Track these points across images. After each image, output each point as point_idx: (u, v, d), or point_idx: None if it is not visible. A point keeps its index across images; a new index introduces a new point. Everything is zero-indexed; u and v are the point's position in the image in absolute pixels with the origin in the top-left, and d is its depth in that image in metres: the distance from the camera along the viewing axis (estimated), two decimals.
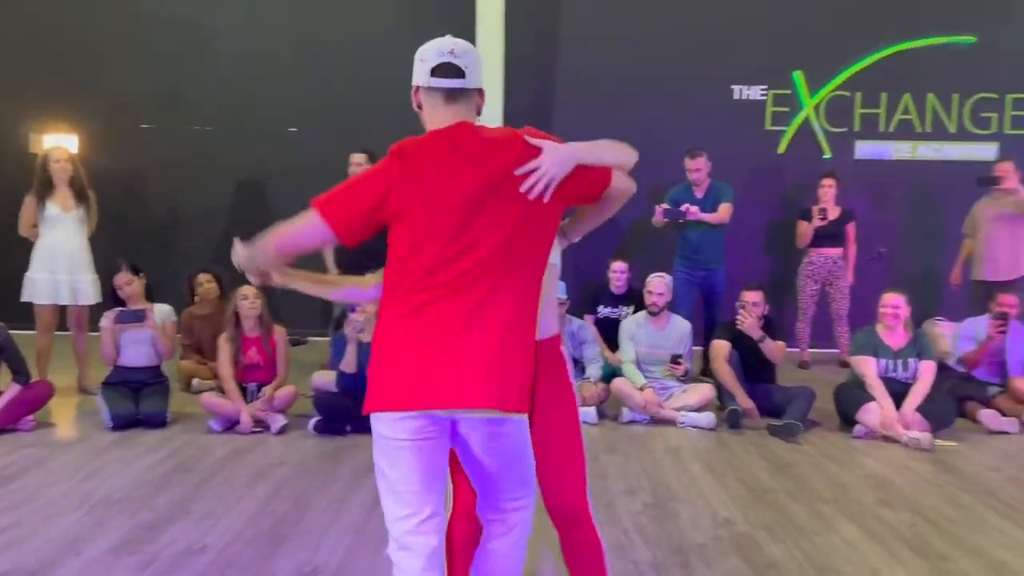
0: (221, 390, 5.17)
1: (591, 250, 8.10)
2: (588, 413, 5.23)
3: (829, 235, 7.15)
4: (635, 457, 4.60)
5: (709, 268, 6.73)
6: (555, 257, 2.27)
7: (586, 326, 5.78)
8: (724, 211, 6.61)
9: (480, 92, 2.15)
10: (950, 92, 8.12)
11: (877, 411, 5.02)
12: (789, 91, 8.21)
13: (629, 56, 8.10)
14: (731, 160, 7.44)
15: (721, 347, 5.48)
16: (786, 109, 8.22)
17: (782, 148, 8.21)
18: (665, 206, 6.64)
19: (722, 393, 5.40)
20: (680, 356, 5.43)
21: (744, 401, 5.30)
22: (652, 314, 5.60)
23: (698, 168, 6.69)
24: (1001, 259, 6.63)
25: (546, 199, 2.00)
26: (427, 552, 2.03)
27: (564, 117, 8.12)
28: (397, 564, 2.06)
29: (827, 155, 8.20)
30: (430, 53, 2.10)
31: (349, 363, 5.00)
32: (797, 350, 7.34)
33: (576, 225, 2.43)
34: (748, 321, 5.32)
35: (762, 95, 8.22)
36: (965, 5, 8.05)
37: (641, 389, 5.32)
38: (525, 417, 2.13)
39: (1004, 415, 5.39)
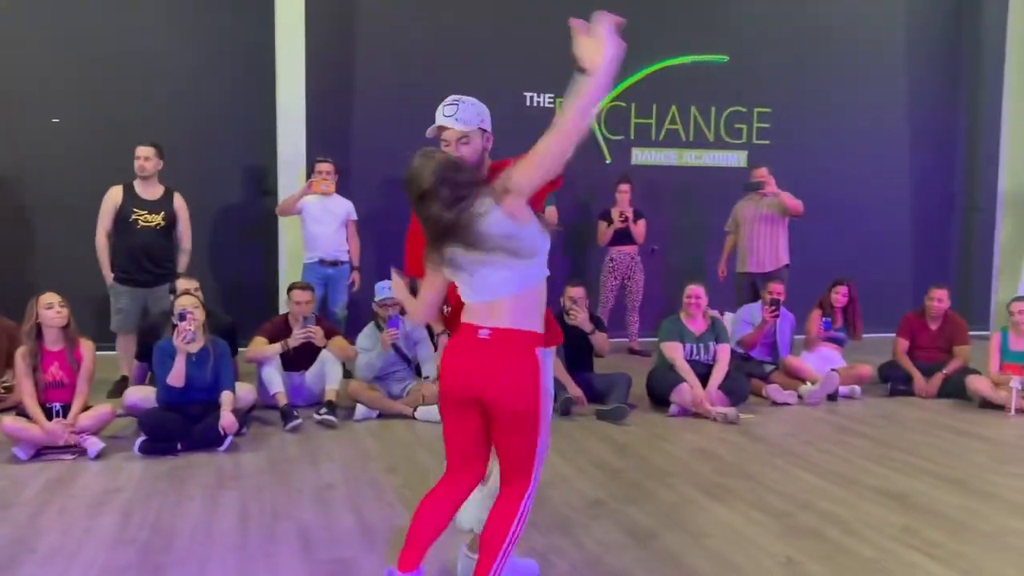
0: (22, 413, 4.58)
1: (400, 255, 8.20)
2: (433, 411, 5.29)
3: (626, 234, 7.78)
4: None
5: None
6: None
7: (421, 327, 5.81)
8: (552, 214, 6.98)
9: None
10: (709, 105, 9.11)
11: (688, 391, 5.56)
12: None
13: (424, 64, 8.26)
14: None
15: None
16: None
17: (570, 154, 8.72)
18: None
19: (554, 384, 5.68)
20: None
21: (574, 390, 5.63)
22: None
23: None
24: (763, 253, 7.55)
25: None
26: None
27: (363, 126, 8.17)
28: None
29: (608, 161, 8.85)
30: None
31: (178, 376, 4.64)
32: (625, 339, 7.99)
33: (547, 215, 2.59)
34: (580, 316, 5.66)
35: (550, 103, 8.70)
36: (720, 28, 9.06)
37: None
38: None
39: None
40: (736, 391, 5.76)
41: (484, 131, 2.78)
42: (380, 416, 5.44)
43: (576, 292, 5.78)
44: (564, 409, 5.49)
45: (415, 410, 5.41)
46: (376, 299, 5.64)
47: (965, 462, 4.63)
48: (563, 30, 9.11)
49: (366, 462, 4.47)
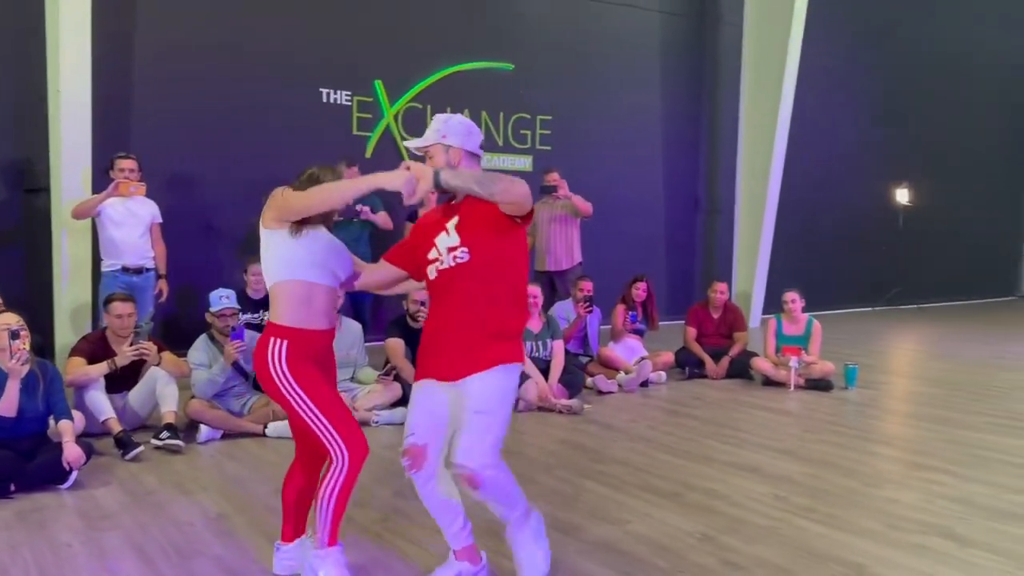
0: None
1: (225, 255, 7.61)
2: (287, 428, 5.03)
3: None
4: None
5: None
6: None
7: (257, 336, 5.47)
8: (386, 216, 6.92)
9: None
10: (498, 111, 9.45)
11: (535, 388, 5.80)
12: (371, 99, 8.65)
13: (218, 60, 7.72)
14: (324, 162, 7.61)
15: (398, 345, 5.71)
16: (370, 116, 8.65)
17: (368, 153, 8.61)
18: None
19: (406, 389, 5.63)
20: (394, 368, 5.53)
21: None
22: None
23: (351, 177, 6.78)
24: (559, 252, 8.01)
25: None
26: None
27: (153, 116, 7.43)
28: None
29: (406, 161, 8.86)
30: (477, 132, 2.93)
31: (10, 404, 3.99)
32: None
33: None
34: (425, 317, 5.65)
35: (348, 100, 8.51)
36: (506, 37, 9.43)
37: None
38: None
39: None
40: (573, 384, 6.11)
41: (448, 146, 2.88)
42: (224, 436, 5.05)
43: (421, 295, 5.77)
44: None
45: (265, 427, 5.10)
46: (212, 310, 5.21)
47: (783, 434, 5.33)
48: (362, 27, 9.20)
49: (244, 486, 4.16)
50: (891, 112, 13.07)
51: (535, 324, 6.17)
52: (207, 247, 7.73)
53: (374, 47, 8.62)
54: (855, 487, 4.25)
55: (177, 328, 6.93)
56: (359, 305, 7.29)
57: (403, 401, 5.57)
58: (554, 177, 8.02)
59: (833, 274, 12.22)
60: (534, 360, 6.01)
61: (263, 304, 6.23)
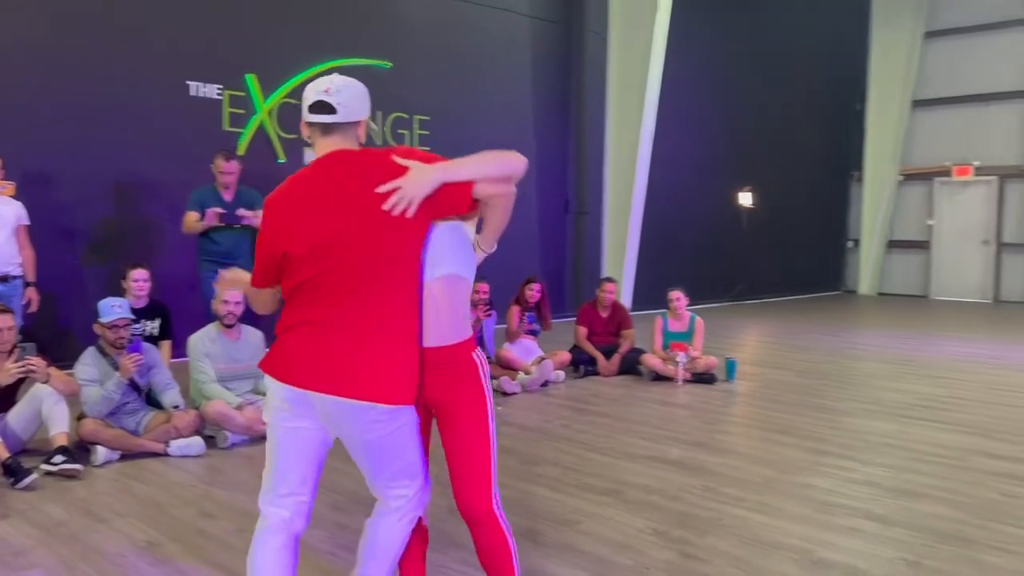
0: None
1: (90, 259, 7.00)
2: (191, 445, 4.72)
3: None
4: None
5: None
6: (462, 270, 2.45)
7: (154, 348, 5.07)
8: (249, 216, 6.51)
9: (361, 123, 2.42)
10: (376, 109, 9.23)
11: None
12: (244, 93, 8.23)
13: (76, 48, 7.09)
14: (192, 159, 7.28)
15: None
16: (242, 111, 8.23)
17: (241, 150, 8.19)
18: (219, 209, 6.18)
19: None
20: None
21: None
22: (227, 326, 5.25)
23: (231, 171, 6.38)
24: None
25: (409, 215, 2.23)
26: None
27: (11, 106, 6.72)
28: None
29: (281, 160, 8.51)
30: (308, 92, 2.39)
31: None
32: None
33: (485, 236, 2.58)
34: None
35: (218, 94, 8.05)
36: (384, 35, 9.25)
37: (239, 408, 4.99)
38: (404, 412, 2.32)
39: (497, 378, 6.69)
40: None
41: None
42: (123, 457, 4.65)
43: None
44: None
45: (167, 445, 4.74)
46: (102, 320, 4.78)
47: (690, 427, 5.57)
48: (233, 18, 8.80)
49: (163, 510, 3.85)
50: (739, 120, 13.93)
51: None
52: (66, 251, 7.09)
53: (246, 39, 8.21)
54: (772, 475, 4.51)
55: (44, 341, 6.30)
56: None
57: None
58: None
59: (689, 272, 12.83)
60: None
61: (146, 313, 5.79)
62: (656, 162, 11.22)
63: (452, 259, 2.42)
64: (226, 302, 5.26)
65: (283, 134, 8.52)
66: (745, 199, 14.25)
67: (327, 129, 2.35)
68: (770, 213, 14.67)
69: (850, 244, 17.13)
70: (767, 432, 5.44)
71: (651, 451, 4.94)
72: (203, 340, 5.21)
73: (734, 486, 4.29)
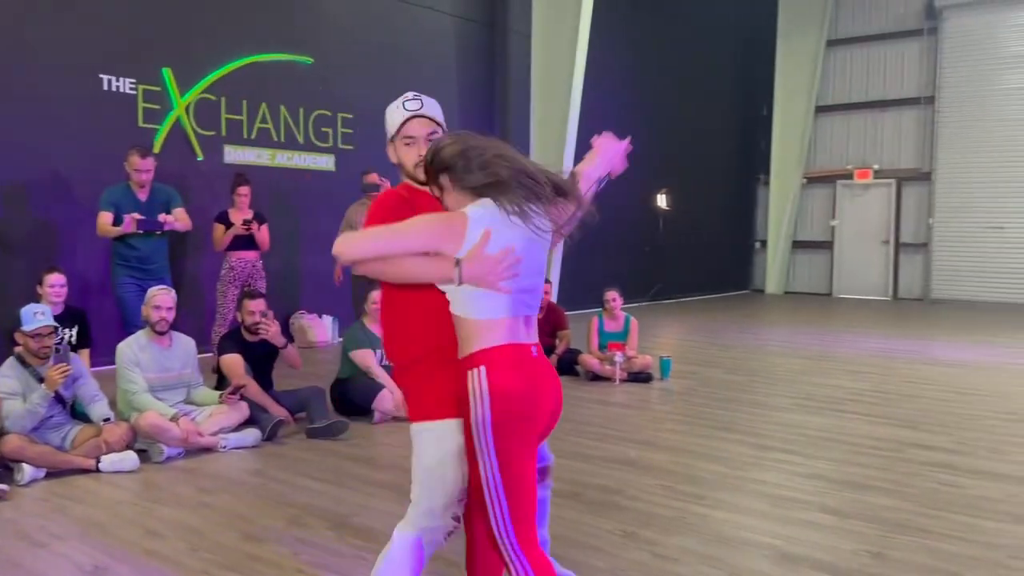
0: None
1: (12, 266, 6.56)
2: (124, 460, 4.45)
3: (248, 239, 7.26)
4: (210, 500, 4.18)
5: (160, 278, 6.16)
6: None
7: (78, 358, 4.76)
8: (185, 216, 6.18)
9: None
10: (297, 106, 8.98)
11: (390, 397, 5.59)
12: (159, 88, 7.84)
13: None
14: (105, 157, 6.93)
15: (236, 361, 5.23)
16: (158, 107, 7.84)
17: (157, 147, 7.79)
18: (138, 216, 5.85)
19: (252, 408, 5.17)
20: (240, 387, 5.00)
21: (278, 410, 5.22)
22: (159, 333, 4.97)
23: (147, 169, 6.04)
24: None
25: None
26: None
27: None
28: None
29: (200, 158, 8.15)
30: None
31: None
32: (211, 354, 7.29)
33: None
34: (272, 329, 5.25)
35: (132, 89, 7.65)
36: (306, 29, 8.98)
37: (174, 419, 4.72)
38: (415, 428, 2.34)
39: None
40: None
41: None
42: (49, 475, 4.34)
43: (259, 305, 5.35)
44: (272, 433, 5.06)
45: (98, 461, 4.45)
46: (25, 329, 4.45)
47: (635, 426, 5.61)
48: (149, 8, 8.41)
49: (106, 530, 3.60)
50: (657, 123, 14.19)
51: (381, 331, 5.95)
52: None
53: (163, 32, 7.83)
54: (724, 471, 4.57)
55: None
56: None
57: (251, 421, 5.14)
58: (375, 177, 7.80)
59: (611, 272, 12.98)
60: (386, 369, 5.79)
61: (63, 320, 5.42)
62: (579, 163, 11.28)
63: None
64: (158, 307, 4.99)
65: (201, 131, 8.17)
66: (662, 201, 14.53)
67: None
68: (685, 215, 15.01)
69: (758, 245, 17.71)
70: (710, 429, 5.52)
71: (603, 451, 4.93)
72: (132, 348, 4.92)
73: (690, 483, 4.32)
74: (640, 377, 7.12)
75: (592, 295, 10.37)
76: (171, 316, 5.02)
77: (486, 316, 2.22)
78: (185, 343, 5.17)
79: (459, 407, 2.23)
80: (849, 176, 16.27)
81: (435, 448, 2.32)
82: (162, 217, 6.04)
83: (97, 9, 7.34)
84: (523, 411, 2.20)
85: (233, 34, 8.36)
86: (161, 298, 4.99)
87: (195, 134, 8.12)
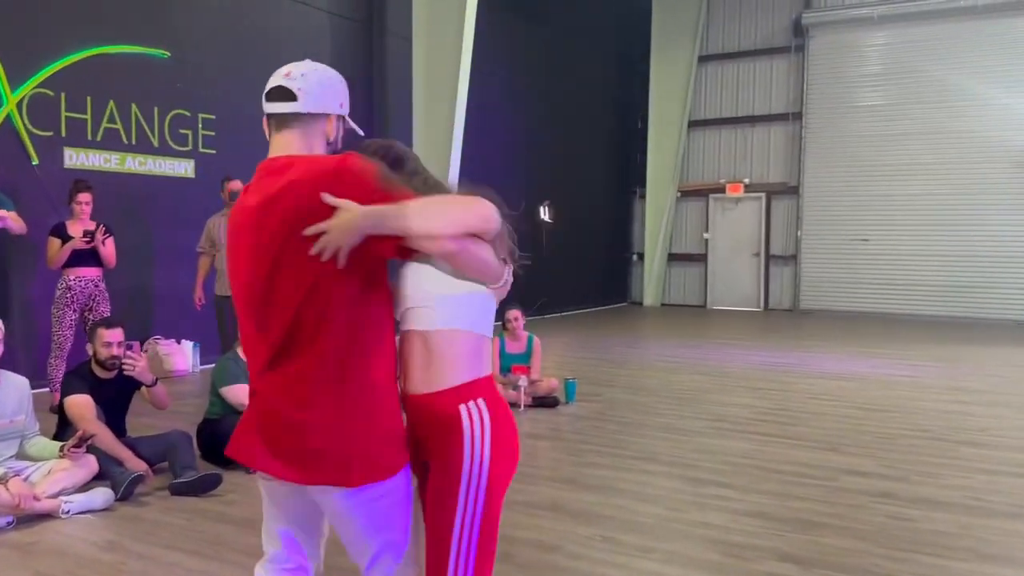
0: None
1: None
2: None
3: (90, 254, 6.25)
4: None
5: None
6: (465, 323, 2.03)
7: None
8: (18, 218, 5.23)
9: (330, 117, 2.03)
10: (152, 105, 7.96)
11: None
12: None
13: None
14: None
15: (86, 404, 4.32)
16: None
17: None
18: None
19: (102, 461, 4.26)
20: (86, 436, 4.06)
21: (136, 463, 4.33)
22: None
23: None
24: None
25: (339, 265, 1.83)
26: None
27: None
28: None
29: (35, 162, 7.02)
30: (270, 81, 2.00)
31: None
32: (47, 390, 6.24)
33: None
34: (140, 364, 4.37)
35: None
36: (162, 22, 7.98)
37: (1, 480, 3.78)
38: (362, 492, 1.91)
39: None
40: None
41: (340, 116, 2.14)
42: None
43: (117, 335, 4.47)
44: (128, 492, 4.19)
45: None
46: None
47: (551, 461, 5.08)
48: None
49: None
50: (538, 135, 13.85)
51: None
52: None
53: None
54: (663, 514, 4.11)
55: None
56: None
57: (101, 476, 4.24)
58: (238, 185, 6.95)
59: None
60: None
61: None
62: (463, 173, 10.75)
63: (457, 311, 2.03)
64: None
65: (36, 131, 7.04)
66: (544, 213, 14.19)
67: (282, 122, 1.97)
68: (566, 228, 14.74)
69: (635, 258, 17.73)
70: (633, 460, 5.07)
71: (525, 495, 4.36)
72: None
73: (632, 532, 3.83)
74: (546, 402, 6.62)
75: None
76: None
77: (487, 333, 2.08)
78: (16, 384, 4.21)
79: (422, 445, 2.03)
80: (721, 190, 16.53)
81: (405, 507, 2.02)
82: None
83: None
84: (516, 448, 2.11)
85: (76, 21, 7.27)
86: None
87: (29, 134, 6.97)
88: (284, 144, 1.96)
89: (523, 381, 6.52)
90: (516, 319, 6.78)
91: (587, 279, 16.02)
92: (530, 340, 6.87)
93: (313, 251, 1.81)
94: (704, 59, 16.47)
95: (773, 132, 15.98)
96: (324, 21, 9.93)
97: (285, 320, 1.87)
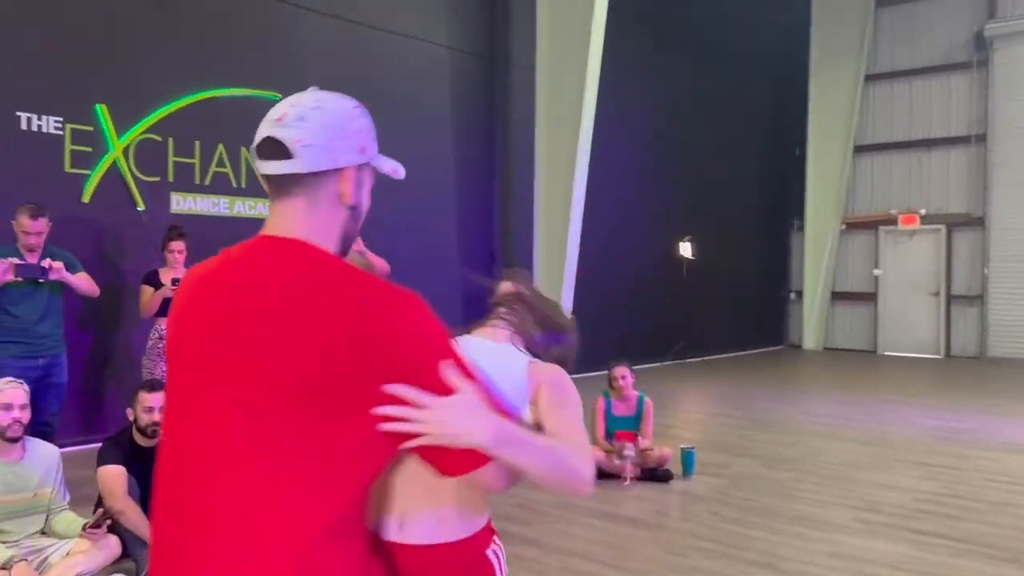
0: None
1: None
2: None
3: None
4: None
5: (52, 355, 4.99)
6: None
7: None
8: (89, 279, 5.10)
9: (344, 172, 1.39)
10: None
11: None
12: (92, 127, 6.72)
13: None
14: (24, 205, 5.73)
15: (117, 477, 3.95)
16: (89, 149, 6.71)
17: (87, 197, 6.66)
18: (15, 260, 4.77)
19: (128, 542, 3.87)
20: (109, 513, 3.70)
21: None
22: (8, 440, 3.72)
23: (39, 231, 4.99)
24: None
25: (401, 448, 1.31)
26: None
27: None
28: None
29: (141, 208, 7.00)
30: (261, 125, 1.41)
31: None
32: None
33: None
34: None
35: (58, 129, 6.53)
36: (273, 61, 7.86)
37: (5, 567, 3.44)
38: None
39: None
40: None
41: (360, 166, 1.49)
42: None
43: (159, 399, 4.09)
44: None
45: None
46: None
47: (646, 560, 4.23)
48: (80, 36, 7.03)
49: None
50: (676, 165, 12.95)
51: None
52: None
53: (96, 63, 6.72)
54: None
55: None
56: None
57: (126, 556, 3.84)
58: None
59: (624, 330, 11.68)
60: None
61: None
62: (589, 209, 10.05)
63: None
64: (8, 407, 3.74)
65: (143, 176, 7.02)
66: (684, 249, 13.21)
67: (279, 186, 1.38)
68: (710, 264, 13.65)
69: (792, 296, 16.27)
70: (749, 567, 4.13)
71: None
72: None
73: None
74: (657, 474, 5.75)
75: (605, 358, 9.07)
76: (25, 417, 3.78)
77: None
78: (44, 454, 3.90)
79: None
80: (893, 222, 14.85)
81: None
82: (47, 262, 4.90)
83: (13, 37, 6.26)
84: None
85: (184, 66, 7.25)
86: (9, 393, 3.76)
87: (135, 180, 6.97)
88: (284, 218, 1.37)
89: (629, 450, 5.69)
90: (624, 377, 5.98)
91: (737, 320, 14.78)
92: (640, 401, 6.03)
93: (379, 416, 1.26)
94: (871, 78, 14.95)
95: (953, 157, 14.20)
96: (443, 56, 9.60)
97: None
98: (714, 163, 13.93)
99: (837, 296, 15.53)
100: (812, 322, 15.53)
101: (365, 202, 1.46)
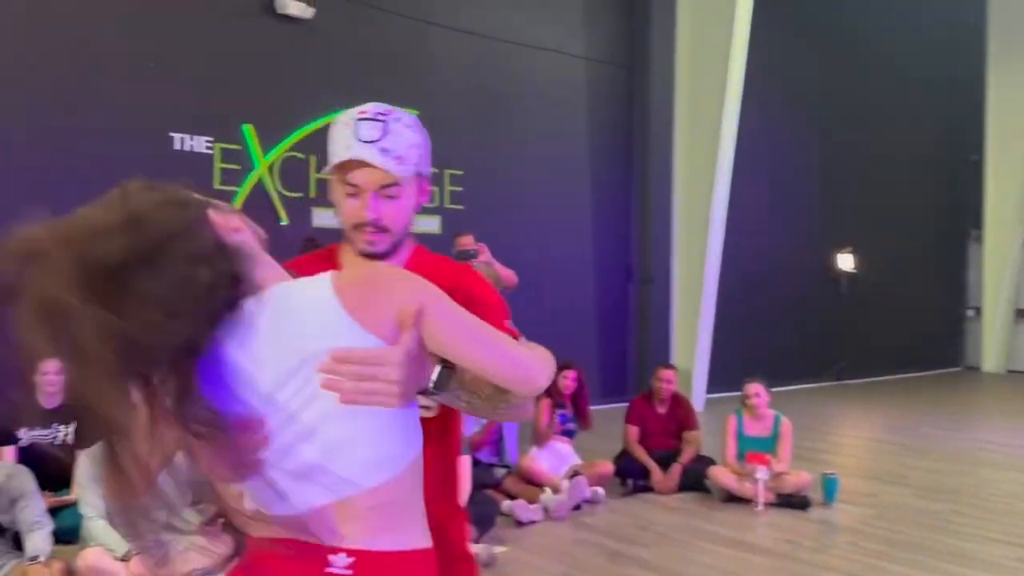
0: None
1: None
2: None
3: None
4: None
5: None
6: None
7: (27, 472, 3.80)
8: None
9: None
10: None
11: None
12: (239, 146, 7.13)
13: (39, 97, 6.15)
14: None
15: None
16: (237, 166, 7.11)
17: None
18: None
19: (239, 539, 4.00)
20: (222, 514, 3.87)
21: None
22: None
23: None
24: None
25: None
26: None
27: None
28: None
29: (284, 222, 7.34)
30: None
31: None
32: None
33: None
34: None
35: (208, 148, 6.97)
36: (410, 78, 8.05)
37: (124, 559, 3.62)
38: None
39: (514, 498, 5.17)
40: (483, 517, 4.57)
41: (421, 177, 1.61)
42: None
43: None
44: None
45: None
46: None
47: None
48: (227, 59, 7.37)
49: None
50: (833, 172, 12.19)
51: None
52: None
53: (242, 85, 7.12)
54: None
55: None
56: None
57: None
58: (468, 241, 6.62)
59: (776, 347, 11.04)
60: None
61: (59, 415, 4.55)
62: (733, 220, 9.60)
63: None
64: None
65: (286, 192, 7.36)
66: (844, 262, 12.38)
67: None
68: (874, 277, 12.71)
69: (971, 313, 14.89)
70: None
71: None
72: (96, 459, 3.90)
73: None
74: (792, 502, 5.32)
75: (760, 373, 8.60)
76: None
77: None
78: None
79: None
80: None
81: None
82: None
83: (167, 61, 6.73)
84: None
85: (324, 86, 7.55)
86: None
87: (279, 196, 7.32)
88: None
89: (762, 473, 5.30)
90: (758, 395, 5.60)
91: (907, 338, 13.64)
92: (777, 421, 5.63)
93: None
94: None
95: None
96: (579, 67, 9.51)
97: None
98: (877, 170, 12.98)
99: (1022, 313, 14.06)
100: (993, 341, 14.15)
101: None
